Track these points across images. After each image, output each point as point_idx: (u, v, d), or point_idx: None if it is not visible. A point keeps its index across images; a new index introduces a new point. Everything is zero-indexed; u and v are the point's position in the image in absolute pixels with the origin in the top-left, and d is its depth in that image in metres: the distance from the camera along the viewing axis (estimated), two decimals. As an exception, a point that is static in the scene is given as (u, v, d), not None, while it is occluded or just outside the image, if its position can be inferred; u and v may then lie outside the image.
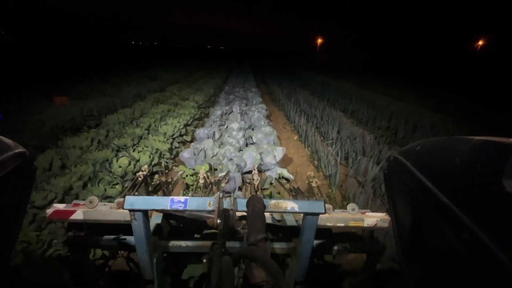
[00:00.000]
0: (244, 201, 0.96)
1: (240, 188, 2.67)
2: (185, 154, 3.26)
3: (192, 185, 2.72)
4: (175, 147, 3.92)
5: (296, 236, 1.23)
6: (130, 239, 1.26)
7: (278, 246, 1.34)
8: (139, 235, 1.05)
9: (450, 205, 0.57)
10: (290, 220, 1.46)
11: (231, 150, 3.31)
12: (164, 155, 3.50)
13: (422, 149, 0.80)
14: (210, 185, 1.98)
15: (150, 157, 3.13)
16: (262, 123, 4.75)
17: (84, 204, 1.25)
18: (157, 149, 3.43)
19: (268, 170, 3.36)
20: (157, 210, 1.23)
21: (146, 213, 1.03)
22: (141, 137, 3.89)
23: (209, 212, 1.01)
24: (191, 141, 4.34)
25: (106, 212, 1.23)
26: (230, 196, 1.04)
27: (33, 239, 1.69)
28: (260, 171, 3.36)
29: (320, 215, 1.06)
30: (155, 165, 3.16)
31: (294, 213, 1.30)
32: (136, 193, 1.50)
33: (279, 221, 1.46)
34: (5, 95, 6.11)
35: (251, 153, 3.21)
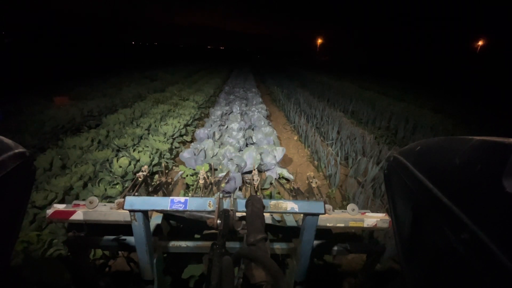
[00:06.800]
0: (244, 202, 0.96)
1: (240, 188, 2.67)
2: (185, 154, 3.26)
3: (192, 185, 2.72)
4: (175, 147, 3.92)
5: (296, 236, 1.23)
6: (130, 239, 1.25)
7: (278, 246, 1.34)
8: (139, 235, 1.05)
9: (450, 205, 0.57)
10: (290, 221, 1.46)
11: (231, 150, 3.31)
12: (164, 155, 3.50)
13: (422, 149, 0.80)
14: (210, 185, 1.98)
15: (150, 157, 3.13)
16: (262, 123, 4.75)
17: (84, 205, 1.25)
18: (157, 149, 3.44)
19: (268, 170, 3.36)
20: (157, 211, 1.23)
21: (146, 214, 1.03)
22: (141, 137, 3.89)
23: (209, 212, 1.01)
24: (191, 141, 4.34)
25: (106, 212, 1.23)
26: (230, 197, 1.05)
27: (33, 239, 1.69)
28: (260, 171, 3.36)
29: (320, 216, 1.06)
30: (155, 165, 3.16)
31: (294, 213, 1.30)
32: (136, 193, 1.50)
33: (279, 221, 1.46)
34: (5, 95, 6.11)
35: (251, 153, 3.21)
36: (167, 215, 1.48)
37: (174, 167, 3.48)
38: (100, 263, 1.78)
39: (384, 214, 1.32)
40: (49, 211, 1.21)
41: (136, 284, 1.57)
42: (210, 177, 2.06)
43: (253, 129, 4.59)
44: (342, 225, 1.28)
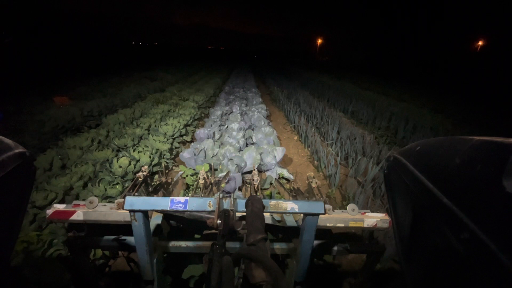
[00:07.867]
0: (244, 202, 0.96)
1: (240, 189, 2.67)
2: (185, 154, 3.26)
3: (192, 185, 2.72)
4: (175, 147, 3.92)
5: (296, 236, 1.23)
6: (130, 239, 1.25)
7: (278, 247, 1.34)
8: (139, 235, 1.05)
9: (450, 205, 0.57)
10: (290, 221, 1.46)
11: (231, 150, 3.31)
12: (164, 155, 3.50)
13: (422, 149, 0.79)
14: (210, 185, 1.98)
15: (150, 157, 3.13)
16: (262, 123, 4.76)
17: (84, 205, 1.25)
18: (157, 149, 3.44)
19: (268, 170, 3.36)
20: (157, 211, 1.23)
21: (146, 214, 1.03)
22: (141, 137, 3.89)
23: (209, 212, 1.01)
24: (191, 141, 4.34)
25: (106, 212, 1.23)
26: (230, 197, 1.05)
27: (33, 239, 1.69)
28: (260, 171, 3.36)
29: (320, 216, 1.06)
30: (155, 165, 3.16)
31: (294, 213, 1.30)
32: (136, 193, 1.51)
33: (279, 221, 1.46)
34: (5, 95, 6.11)
35: (251, 153, 3.21)
36: (167, 215, 1.48)
37: (174, 167, 3.48)
38: (100, 263, 1.78)
39: (384, 214, 1.32)
40: (49, 211, 1.21)
41: (136, 284, 1.57)
42: (210, 177, 2.06)
43: (253, 129, 4.59)
44: (342, 225, 1.28)
